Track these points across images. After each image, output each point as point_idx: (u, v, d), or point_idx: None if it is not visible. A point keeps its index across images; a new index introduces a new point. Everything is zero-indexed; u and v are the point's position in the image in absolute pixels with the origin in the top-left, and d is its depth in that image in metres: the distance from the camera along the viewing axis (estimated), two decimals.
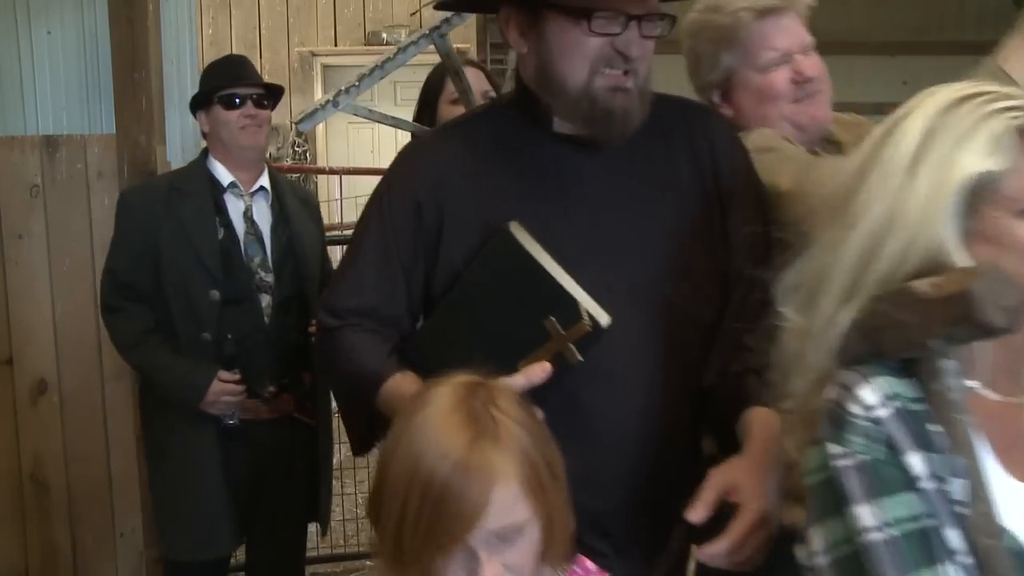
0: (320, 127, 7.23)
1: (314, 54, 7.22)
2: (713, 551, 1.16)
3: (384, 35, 7.03)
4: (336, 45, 7.29)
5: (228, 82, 2.48)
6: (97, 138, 2.87)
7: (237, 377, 2.38)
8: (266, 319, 2.46)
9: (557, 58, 1.31)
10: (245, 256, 2.45)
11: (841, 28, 14.20)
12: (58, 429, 2.88)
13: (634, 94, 1.32)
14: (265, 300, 2.46)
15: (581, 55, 1.29)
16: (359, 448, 1.51)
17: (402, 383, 1.33)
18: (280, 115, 7.35)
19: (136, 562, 2.96)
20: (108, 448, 2.91)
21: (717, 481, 1.20)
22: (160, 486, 2.53)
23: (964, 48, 14.68)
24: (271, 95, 2.58)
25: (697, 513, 1.17)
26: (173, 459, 2.46)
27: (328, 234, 2.93)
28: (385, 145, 7.16)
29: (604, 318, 1.23)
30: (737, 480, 1.19)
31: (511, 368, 1.23)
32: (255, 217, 2.50)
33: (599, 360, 1.27)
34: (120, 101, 2.82)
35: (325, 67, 7.30)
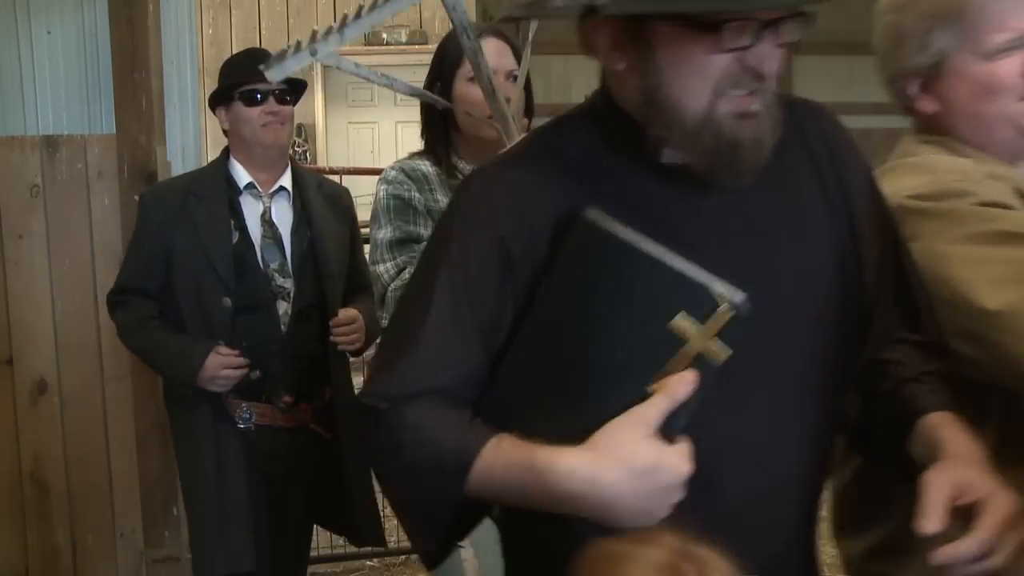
0: (320, 127, 7.23)
1: None
2: (959, 552, 0.92)
3: (384, 35, 7.03)
4: None
5: (249, 77, 2.32)
6: (97, 138, 2.87)
7: (236, 352, 2.31)
8: (283, 327, 2.37)
9: (671, 80, 1.02)
10: (261, 261, 2.36)
11: (840, 28, 14.24)
12: (58, 429, 2.88)
13: (764, 119, 1.04)
14: (283, 307, 2.37)
15: (704, 76, 1.01)
16: (436, 558, 1.15)
17: (503, 449, 1.00)
18: None
19: (136, 562, 2.96)
20: (108, 448, 2.91)
21: (941, 483, 0.96)
22: (185, 497, 2.49)
23: None
24: (294, 90, 2.46)
25: (933, 522, 0.93)
26: (187, 467, 2.42)
27: None
28: (385, 145, 7.17)
29: (738, 295, 0.96)
30: (963, 478, 0.97)
31: (636, 394, 0.97)
32: (274, 219, 2.40)
33: (732, 431, 1.05)
34: (120, 101, 2.82)
35: (325, 67, 7.28)
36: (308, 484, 2.49)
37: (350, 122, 7.41)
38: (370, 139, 7.37)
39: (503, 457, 0.99)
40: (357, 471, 2.46)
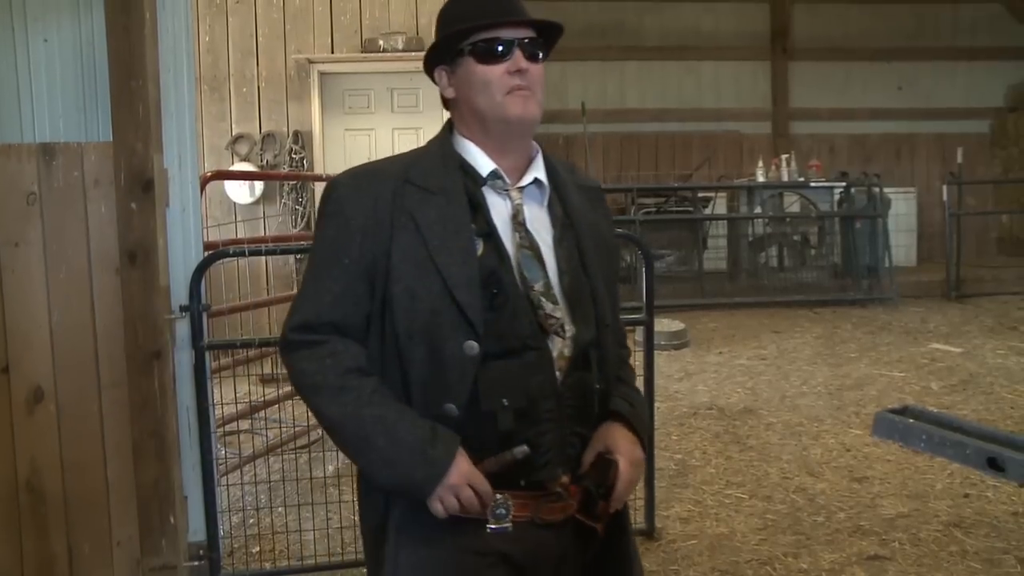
0: (317, 133, 7.24)
1: (311, 61, 7.22)
2: None
3: (381, 42, 7.04)
4: (333, 52, 7.30)
5: (485, 19, 1.64)
6: (94, 146, 2.87)
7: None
8: (559, 375, 1.62)
9: None
10: (520, 282, 1.62)
11: (838, 34, 14.33)
12: (55, 437, 2.87)
13: None
14: (556, 347, 1.62)
15: None
16: None
17: None
18: (276, 122, 7.38)
19: (133, 570, 2.95)
20: (105, 456, 2.90)
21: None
22: None
23: (958, 53, 14.90)
24: (547, 41, 1.71)
25: None
26: None
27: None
28: (382, 152, 7.17)
29: None
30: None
31: None
32: (529, 223, 1.67)
33: None
34: (117, 109, 2.82)
35: (322, 74, 7.30)
36: None
37: (347, 129, 7.42)
38: (367, 146, 7.38)
39: None
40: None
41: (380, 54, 7.05)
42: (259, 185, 7.22)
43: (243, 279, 5.89)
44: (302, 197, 7.20)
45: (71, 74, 3.05)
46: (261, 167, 7.23)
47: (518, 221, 1.65)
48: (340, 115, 7.39)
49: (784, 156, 10.67)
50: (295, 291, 2.17)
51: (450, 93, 1.71)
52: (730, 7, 12.70)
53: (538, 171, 1.70)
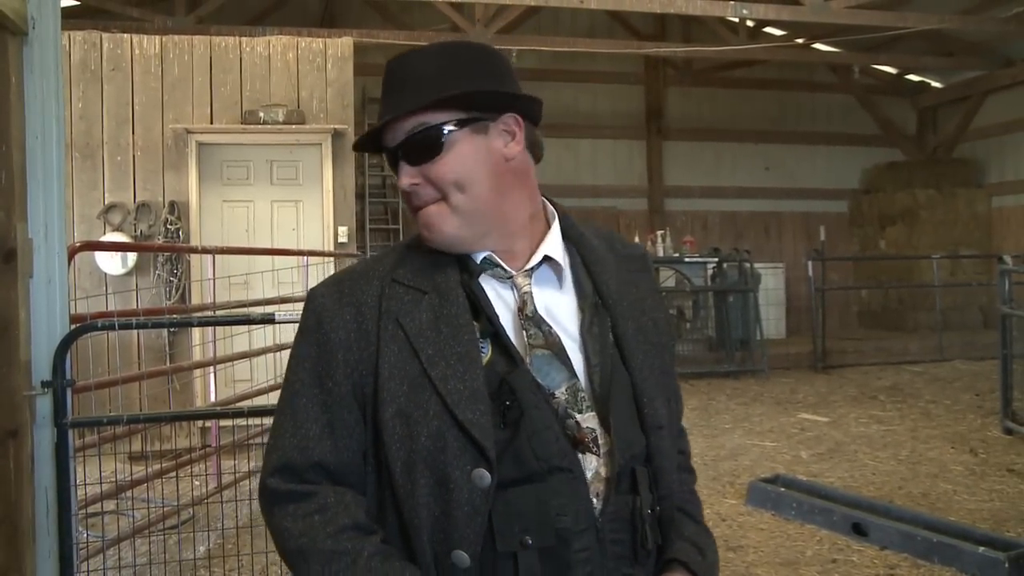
0: (194, 204, 7.10)
1: (189, 131, 7.11)
2: None
3: (261, 114, 7.00)
4: (212, 123, 7.21)
5: (374, 126, 1.41)
6: None
7: None
8: (596, 503, 1.30)
9: None
10: (535, 391, 1.30)
11: (708, 116, 14.99)
12: None
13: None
14: (591, 466, 1.30)
15: None
16: None
17: None
18: (152, 192, 7.20)
19: None
20: None
21: None
22: None
23: (818, 138, 15.77)
24: (425, 141, 1.35)
25: None
26: None
27: (199, 315, 2.75)
28: (261, 224, 7.07)
29: None
30: None
31: None
32: (547, 312, 1.37)
33: None
34: None
35: (200, 145, 7.19)
36: None
37: (224, 200, 7.30)
38: (245, 217, 7.26)
39: None
40: None
41: (260, 126, 7.00)
42: (132, 256, 6.99)
43: (113, 353, 5.66)
44: (177, 269, 7.00)
45: None
46: (135, 237, 7.02)
47: (525, 314, 1.35)
48: (218, 186, 7.27)
49: (659, 232, 11.03)
50: (168, 365, 2.05)
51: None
52: (606, 88, 13.18)
53: (551, 247, 1.40)
